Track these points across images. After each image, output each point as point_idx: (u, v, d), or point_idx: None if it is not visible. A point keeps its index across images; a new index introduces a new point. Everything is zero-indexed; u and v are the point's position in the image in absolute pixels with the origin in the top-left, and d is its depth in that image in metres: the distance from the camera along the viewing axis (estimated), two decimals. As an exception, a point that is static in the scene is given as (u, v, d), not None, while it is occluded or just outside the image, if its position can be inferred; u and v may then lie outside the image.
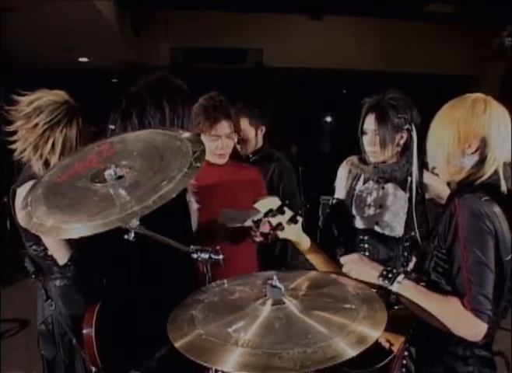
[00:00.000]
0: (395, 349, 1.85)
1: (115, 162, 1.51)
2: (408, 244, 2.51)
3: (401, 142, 2.54)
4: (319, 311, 1.40)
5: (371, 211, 2.60)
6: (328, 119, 12.47)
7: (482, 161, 1.68)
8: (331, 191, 2.84)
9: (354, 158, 2.73)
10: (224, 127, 2.67)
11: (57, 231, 1.37)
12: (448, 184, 1.88)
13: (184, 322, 1.41)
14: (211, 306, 1.50)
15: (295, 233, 1.88)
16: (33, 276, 2.26)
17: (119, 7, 7.61)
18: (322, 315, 1.39)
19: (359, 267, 1.75)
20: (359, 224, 2.63)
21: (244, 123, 3.37)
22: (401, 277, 1.65)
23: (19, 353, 4.28)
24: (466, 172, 1.72)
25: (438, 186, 2.45)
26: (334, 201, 2.76)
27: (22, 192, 2.08)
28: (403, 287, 1.64)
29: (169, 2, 9.03)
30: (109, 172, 1.46)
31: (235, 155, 3.02)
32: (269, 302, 1.43)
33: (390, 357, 1.87)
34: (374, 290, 1.59)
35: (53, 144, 2.16)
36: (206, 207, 2.31)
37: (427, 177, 2.50)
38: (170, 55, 10.19)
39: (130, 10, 8.60)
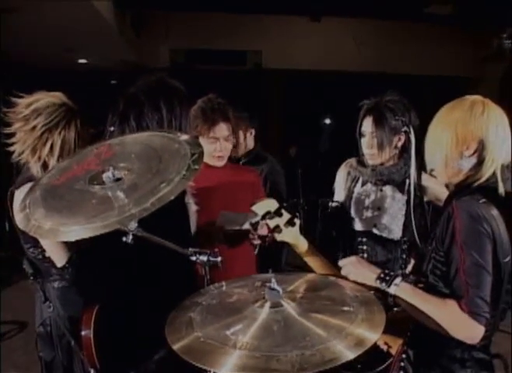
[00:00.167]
0: (393, 351, 1.85)
1: (113, 164, 1.50)
2: (406, 246, 2.51)
3: (399, 144, 2.54)
4: (317, 314, 1.40)
5: (369, 214, 2.60)
6: (328, 121, 12.47)
7: (480, 163, 1.68)
8: (331, 193, 2.84)
9: (353, 161, 2.74)
10: (222, 129, 2.67)
11: (55, 234, 1.38)
12: (447, 186, 1.88)
13: (183, 324, 1.41)
14: (209, 309, 1.50)
15: (292, 235, 1.88)
16: (32, 278, 2.26)
17: (118, 7, 7.61)
18: (320, 317, 1.38)
19: (357, 270, 1.75)
20: (357, 226, 2.64)
21: None
22: (398, 280, 1.65)
23: (18, 355, 4.28)
24: (464, 175, 1.72)
25: (436, 188, 2.46)
26: (334, 204, 2.76)
27: (20, 194, 2.08)
28: (400, 289, 1.64)
29: (169, 3, 9.04)
30: (107, 175, 1.46)
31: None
32: (267, 305, 1.43)
33: (389, 360, 1.87)
34: (372, 292, 1.59)
35: (51, 147, 2.16)
36: (205, 209, 2.31)
37: (425, 179, 2.50)
38: (169, 56, 10.20)
39: (129, 11, 8.59)
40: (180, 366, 1.31)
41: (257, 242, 2.46)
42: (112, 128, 2.01)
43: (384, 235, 2.57)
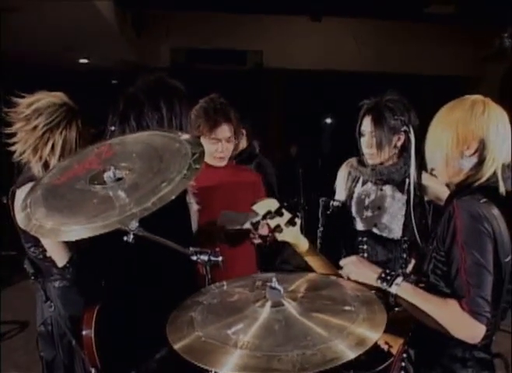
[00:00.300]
0: (394, 351, 1.85)
1: (114, 163, 1.51)
2: (406, 246, 2.51)
3: (399, 144, 2.54)
4: (318, 314, 1.40)
5: (369, 213, 2.60)
6: (328, 120, 12.48)
7: (481, 163, 1.68)
8: (332, 193, 2.84)
9: (353, 161, 2.74)
10: (224, 130, 2.67)
11: (56, 233, 1.38)
12: (447, 185, 1.88)
13: (184, 324, 1.41)
14: (210, 308, 1.49)
15: (293, 235, 1.88)
16: (32, 277, 2.27)
17: (119, 7, 7.62)
18: (321, 317, 1.38)
19: (358, 269, 1.75)
20: (358, 226, 2.64)
21: None
22: (399, 280, 1.65)
23: (19, 355, 4.28)
24: (465, 174, 1.72)
25: (437, 188, 2.46)
26: (335, 203, 2.76)
27: (21, 193, 2.08)
28: (401, 289, 1.64)
29: (169, 3, 9.04)
30: (108, 174, 1.46)
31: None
32: (268, 304, 1.43)
33: (390, 359, 1.87)
34: (373, 292, 1.59)
35: (52, 146, 2.16)
36: (206, 209, 2.31)
37: (426, 178, 2.50)
38: (170, 56, 10.21)
39: (130, 10, 8.60)
40: (181, 365, 1.31)
41: (257, 241, 2.46)
42: (112, 128, 2.02)
43: (384, 234, 2.57)
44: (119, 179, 1.46)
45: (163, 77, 2.09)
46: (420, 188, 2.52)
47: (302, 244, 1.91)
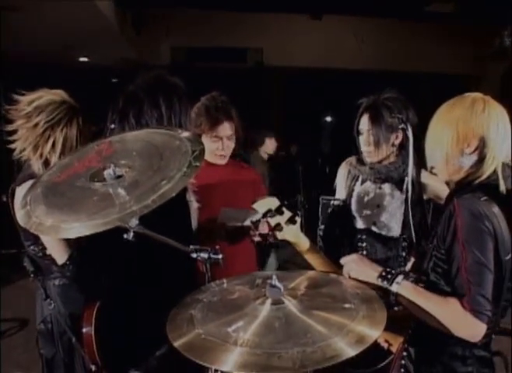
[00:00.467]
0: (394, 349, 1.85)
1: (114, 161, 1.51)
2: (405, 244, 2.51)
3: (397, 142, 2.54)
4: (318, 311, 1.40)
5: (369, 211, 2.60)
6: (328, 118, 12.47)
7: (481, 160, 1.68)
8: (332, 191, 2.84)
9: (353, 159, 2.74)
10: (225, 128, 2.67)
11: (56, 231, 1.37)
12: (447, 184, 1.88)
13: (184, 321, 1.41)
14: (210, 306, 1.50)
15: (293, 234, 1.88)
16: (32, 275, 2.26)
17: (119, 6, 7.61)
18: (321, 314, 1.38)
19: (358, 267, 1.75)
20: (358, 224, 2.63)
21: None
22: (400, 278, 1.65)
23: (18, 353, 4.28)
24: (465, 172, 1.71)
25: (436, 186, 2.46)
26: (336, 202, 2.76)
27: (21, 191, 2.08)
28: (402, 287, 1.64)
29: (169, 2, 9.04)
30: (108, 172, 1.46)
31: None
32: (268, 302, 1.43)
33: (390, 358, 1.87)
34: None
35: (53, 144, 2.16)
36: (206, 207, 2.31)
37: (425, 177, 2.50)
38: (170, 54, 10.20)
39: (130, 10, 8.60)
40: (181, 363, 1.31)
41: (257, 239, 2.46)
42: (112, 126, 2.01)
43: (383, 232, 2.57)
44: (119, 177, 1.46)
45: (162, 74, 2.09)
46: (419, 186, 2.52)
47: (302, 242, 1.91)
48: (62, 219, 1.37)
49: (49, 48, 8.33)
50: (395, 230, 2.54)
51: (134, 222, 1.42)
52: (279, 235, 1.87)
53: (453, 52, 10.13)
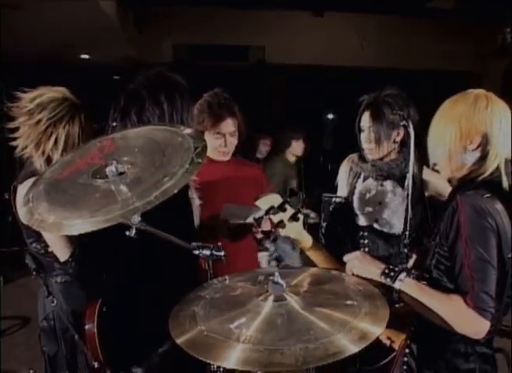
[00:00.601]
0: (396, 346, 1.85)
1: (116, 158, 1.51)
2: (407, 241, 2.50)
3: (398, 139, 2.53)
4: (321, 308, 1.40)
5: (370, 208, 2.60)
6: (330, 116, 12.45)
7: (484, 157, 1.68)
8: (334, 188, 2.84)
9: (354, 156, 2.73)
10: (228, 125, 2.67)
11: (58, 228, 1.38)
12: (449, 181, 1.87)
13: (186, 318, 1.41)
14: (213, 302, 1.50)
15: (296, 231, 1.88)
16: (34, 273, 2.27)
17: (120, 6, 7.60)
18: (324, 311, 1.38)
19: (361, 265, 1.74)
20: (360, 221, 2.63)
21: None
22: (403, 275, 1.64)
23: (20, 351, 4.29)
24: (468, 169, 1.71)
25: (438, 183, 2.45)
26: (338, 199, 2.76)
27: (23, 188, 2.08)
28: (405, 285, 1.64)
29: (171, 0, 9.03)
30: (110, 169, 1.46)
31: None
32: (271, 298, 1.43)
33: (392, 354, 1.86)
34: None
35: (55, 141, 2.16)
36: (208, 204, 2.30)
37: (427, 174, 2.50)
38: (172, 52, 10.19)
39: (131, 9, 8.59)
40: (184, 360, 1.31)
41: (260, 236, 2.46)
42: (114, 124, 2.01)
43: (385, 229, 2.56)
44: (121, 174, 1.46)
45: (163, 71, 2.09)
46: (421, 183, 2.51)
47: (305, 239, 1.91)
48: (64, 216, 1.37)
49: (50, 47, 8.32)
50: (397, 227, 2.54)
51: (136, 219, 1.42)
52: (282, 232, 1.87)
53: (454, 49, 10.09)
